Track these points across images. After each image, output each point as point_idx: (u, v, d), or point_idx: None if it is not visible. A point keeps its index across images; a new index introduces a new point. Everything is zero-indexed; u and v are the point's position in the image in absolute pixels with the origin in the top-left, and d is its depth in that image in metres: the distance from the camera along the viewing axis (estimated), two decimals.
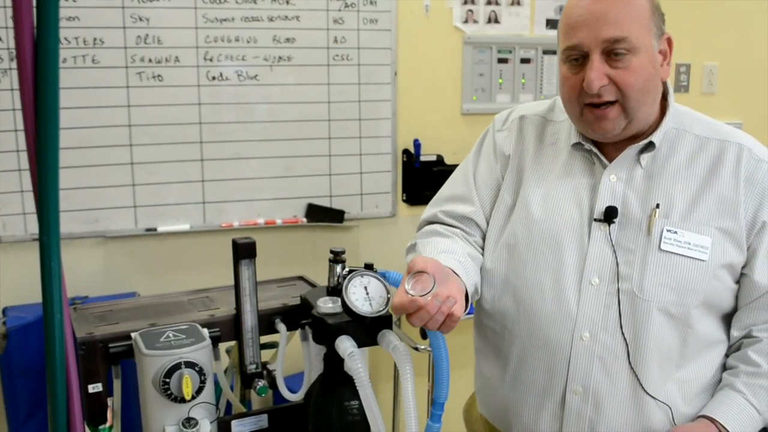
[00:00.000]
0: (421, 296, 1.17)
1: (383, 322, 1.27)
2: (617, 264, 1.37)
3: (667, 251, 1.35)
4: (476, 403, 1.67)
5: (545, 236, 1.42)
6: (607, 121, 1.36)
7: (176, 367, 1.27)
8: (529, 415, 1.47)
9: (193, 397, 1.29)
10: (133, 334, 1.35)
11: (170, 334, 1.33)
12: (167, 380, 1.27)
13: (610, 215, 1.39)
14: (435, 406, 1.35)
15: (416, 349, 2.64)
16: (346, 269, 1.30)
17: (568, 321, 1.39)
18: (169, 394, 1.28)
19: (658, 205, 1.37)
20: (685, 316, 1.37)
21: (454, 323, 1.21)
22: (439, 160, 2.89)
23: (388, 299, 1.26)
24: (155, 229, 2.56)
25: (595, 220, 1.40)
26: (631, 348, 1.37)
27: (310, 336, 1.39)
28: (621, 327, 1.37)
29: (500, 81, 2.93)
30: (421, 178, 2.87)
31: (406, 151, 2.87)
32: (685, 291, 1.36)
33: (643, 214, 1.38)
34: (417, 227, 1.62)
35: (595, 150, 1.43)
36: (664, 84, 1.43)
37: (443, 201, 1.58)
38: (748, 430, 1.37)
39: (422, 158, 2.86)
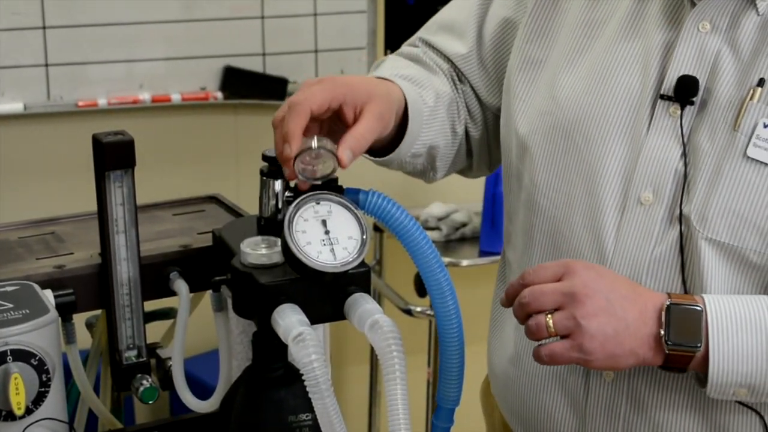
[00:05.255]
0: None
1: (354, 280, 1.27)
2: (685, 174, 1.38)
3: (756, 160, 1.34)
4: None
5: (578, 121, 1.44)
6: None
7: None
8: (537, 407, 1.52)
9: (29, 411, 1.27)
10: None
11: None
12: None
13: (685, 89, 1.38)
14: (438, 414, 1.40)
15: (409, 312, 2.67)
16: (291, 186, 1.31)
17: (598, 262, 1.42)
18: None
19: (761, 81, 1.35)
20: None
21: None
22: None
23: (364, 241, 1.26)
24: None
25: (661, 97, 1.40)
26: None
27: (229, 303, 1.39)
28: (682, 273, 1.38)
29: None
30: (416, 21, 2.83)
31: None
32: None
33: (739, 94, 1.37)
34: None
35: None
36: None
37: (432, 27, 1.73)
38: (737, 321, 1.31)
39: None
